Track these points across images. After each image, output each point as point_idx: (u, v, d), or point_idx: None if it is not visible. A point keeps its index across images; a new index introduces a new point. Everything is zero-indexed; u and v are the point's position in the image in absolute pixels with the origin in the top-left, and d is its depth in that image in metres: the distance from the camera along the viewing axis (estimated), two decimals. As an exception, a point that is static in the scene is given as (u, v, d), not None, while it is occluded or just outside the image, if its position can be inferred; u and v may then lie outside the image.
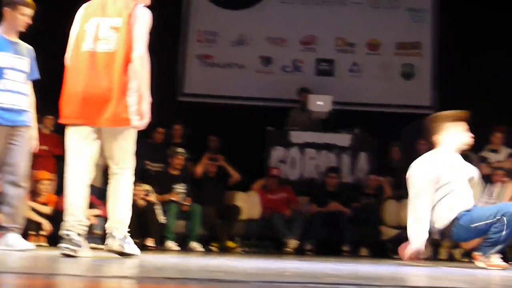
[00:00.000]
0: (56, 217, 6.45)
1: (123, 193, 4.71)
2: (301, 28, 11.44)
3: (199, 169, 9.25)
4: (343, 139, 10.15)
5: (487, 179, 9.34)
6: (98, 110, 4.51)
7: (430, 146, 10.12)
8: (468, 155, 10.02)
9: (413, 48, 11.46)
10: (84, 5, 4.80)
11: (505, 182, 9.19)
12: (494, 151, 9.86)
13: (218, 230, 8.77)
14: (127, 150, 4.68)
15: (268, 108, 10.92)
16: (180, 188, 8.73)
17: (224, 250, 8.55)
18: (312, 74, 11.37)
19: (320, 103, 10.15)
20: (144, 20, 4.58)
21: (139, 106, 4.54)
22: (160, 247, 8.25)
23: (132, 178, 4.76)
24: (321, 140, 10.11)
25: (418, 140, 10.21)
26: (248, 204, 9.31)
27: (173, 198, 8.57)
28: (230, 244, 8.78)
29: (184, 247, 8.43)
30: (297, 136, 10.10)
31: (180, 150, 8.98)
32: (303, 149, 10.06)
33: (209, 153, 9.56)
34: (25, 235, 6.47)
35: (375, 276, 3.80)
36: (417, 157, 10.00)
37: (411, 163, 9.97)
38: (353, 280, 3.31)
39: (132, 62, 4.52)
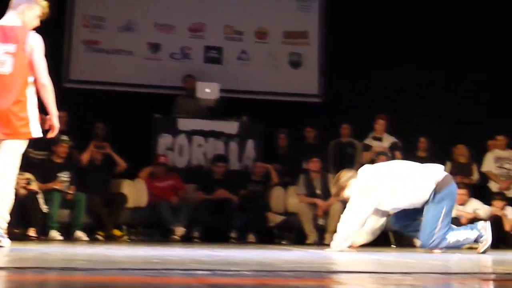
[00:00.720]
0: None
1: None
2: (190, 15, 11.37)
3: (84, 157, 9.08)
4: (230, 126, 10.19)
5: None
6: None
7: (316, 134, 10.39)
8: (352, 142, 10.32)
9: (300, 37, 11.61)
10: None
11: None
12: (378, 139, 10.13)
13: (103, 219, 8.64)
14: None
15: (156, 95, 10.80)
16: (64, 176, 8.54)
17: (110, 239, 8.44)
18: (200, 62, 11.33)
19: (207, 91, 10.16)
20: (40, 47, 5.15)
21: (40, 121, 5.19)
22: (44, 237, 8.05)
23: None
24: (208, 127, 10.11)
25: (305, 127, 10.41)
26: (135, 192, 9.21)
27: (56, 187, 8.37)
28: (116, 232, 8.67)
29: (69, 237, 8.27)
30: (184, 124, 10.06)
31: (64, 137, 8.76)
32: (190, 137, 10.03)
33: (96, 140, 9.38)
34: None
35: (242, 261, 3.84)
36: (304, 144, 10.28)
37: (297, 150, 10.21)
38: (214, 266, 3.33)
39: (31, 84, 5.16)
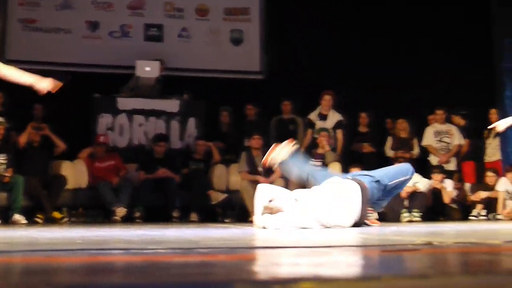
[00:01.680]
0: None
1: None
2: (129, -8, 11.22)
3: (22, 139, 8.89)
4: (171, 105, 10.12)
5: (313, 144, 9.68)
6: None
7: (257, 111, 10.38)
8: (294, 119, 10.34)
9: (241, 13, 11.55)
10: None
11: (329, 144, 9.52)
12: (323, 116, 10.10)
13: (43, 201, 8.49)
14: None
15: (95, 75, 10.65)
16: (0, 158, 8.37)
17: (50, 221, 8.32)
18: (140, 40, 11.20)
19: (148, 69, 10.02)
20: None
21: None
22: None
23: None
24: (149, 106, 10.02)
25: (246, 105, 10.39)
26: (75, 173, 9.08)
27: (-8, 169, 8.21)
28: (56, 214, 8.55)
29: (7, 220, 8.13)
30: (124, 103, 9.95)
31: (0, 119, 8.58)
32: (131, 116, 9.93)
33: (34, 122, 9.21)
34: None
35: (166, 240, 3.84)
36: (246, 122, 10.26)
37: (239, 127, 10.19)
38: (135, 245, 3.32)
39: None
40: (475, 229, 5.42)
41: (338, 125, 10.04)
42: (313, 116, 10.12)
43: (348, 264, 2.35)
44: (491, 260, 2.47)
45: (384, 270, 2.16)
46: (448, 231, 4.97)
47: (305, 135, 10.12)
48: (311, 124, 10.05)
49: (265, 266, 2.34)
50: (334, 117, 10.07)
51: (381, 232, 4.85)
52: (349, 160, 9.77)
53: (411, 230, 5.15)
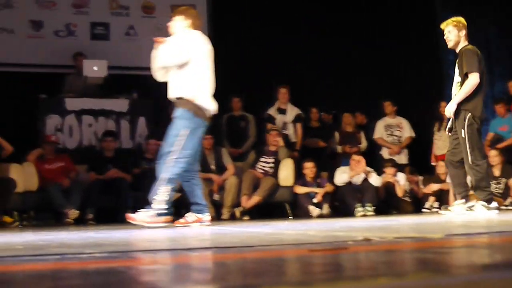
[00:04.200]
0: None
1: None
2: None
3: (-33, 142, 8.66)
4: (121, 104, 9.98)
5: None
6: None
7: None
8: (245, 115, 10.31)
9: (188, 10, 11.43)
10: None
11: (279, 143, 9.53)
12: (282, 111, 10.14)
13: (-9, 205, 8.29)
14: None
15: (41, 75, 10.44)
16: None
17: (1, 226, 8.11)
18: (87, 39, 11.01)
19: (95, 68, 9.85)
20: None
21: None
22: None
23: None
24: (98, 106, 9.86)
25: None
26: (24, 176, 8.86)
27: None
28: (7, 219, 8.35)
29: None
30: (72, 103, 9.76)
31: None
32: (79, 116, 9.75)
33: (-22, 124, 8.98)
34: None
35: (101, 243, 3.78)
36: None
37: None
38: (66, 249, 3.27)
39: None
40: (423, 222, 5.49)
41: (297, 119, 10.11)
42: (272, 111, 10.14)
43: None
44: (419, 257, 2.43)
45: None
46: (394, 225, 5.00)
47: (256, 131, 10.12)
48: (271, 119, 10.06)
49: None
50: (293, 110, 10.13)
51: (329, 227, 4.88)
52: (302, 155, 9.82)
53: (359, 225, 5.16)
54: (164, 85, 10.62)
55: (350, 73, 11.13)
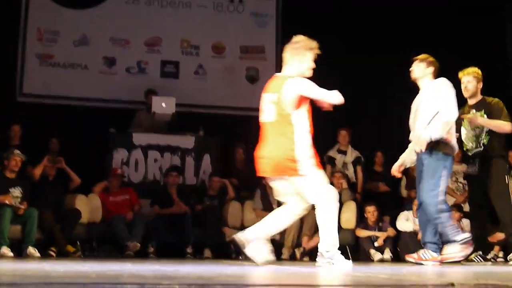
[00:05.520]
0: None
1: None
2: (146, 29, 11.32)
3: (37, 172, 8.88)
4: (187, 141, 10.12)
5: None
6: None
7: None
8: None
9: (257, 52, 11.62)
10: None
11: (343, 186, 9.51)
12: (343, 152, 10.19)
13: (56, 235, 8.45)
14: None
15: (111, 110, 10.71)
16: (15, 191, 8.37)
17: (63, 255, 8.26)
18: (157, 76, 11.26)
19: (163, 105, 10.05)
20: None
21: None
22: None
23: None
24: (164, 142, 10.03)
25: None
26: (89, 207, 9.04)
27: (7, 202, 8.18)
28: (70, 248, 8.50)
29: (21, 254, 8.08)
30: (140, 138, 9.94)
31: (17, 151, 8.59)
32: (146, 151, 9.93)
33: (49, 155, 9.22)
34: None
35: (172, 275, 3.78)
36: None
37: (253, 164, 10.14)
38: (142, 279, 3.27)
39: None
40: (499, 270, 5.35)
41: (357, 161, 10.12)
42: (332, 152, 10.16)
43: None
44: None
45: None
46: (469, 271, 4.89)
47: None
48: (331, 160, 10.07)
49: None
50: (353, 152, 10.14)
51: (396, 271, 4.79)
52: (364, 199, 9.74)
53: (418, 270, 5.05)
54: (229, 125, 10.83)
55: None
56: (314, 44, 5.69)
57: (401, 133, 10.73)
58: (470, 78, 6.95)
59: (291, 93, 5.44)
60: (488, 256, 8.70)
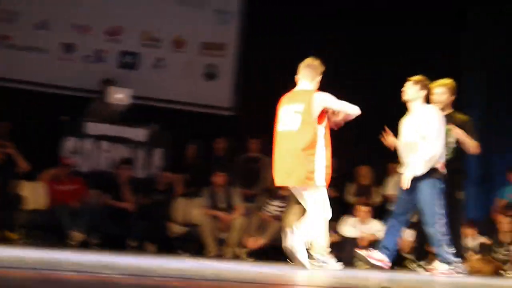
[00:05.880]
0: None
1: None
2: (107, 18, 11.18)
3: (-16, 156, 8.79)
4: (139, 133, 10.07)
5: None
6: None
7: (224, 146, 10.38)
8: (258, 158, 10.33)
9: (217, 49, 11.59)
10: None
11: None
12: None
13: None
14: None
15: (66, 97, 10.58)
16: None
17: (4, 241, 8.17)
18: (114, 66, 11.15)
19: (119, 96, 9.99)
20: None
21: None
22: None
23: None
24: (117, 133, 9.95)
25: (216, 139, 10.40)
26: (34, 194, 8.96)
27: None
28: (11, 235, 8.42)
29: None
30: (92, 128, 9.86)
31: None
32: (97, 141, 9.85)
33: (-2, 139, 9.11)
34: None
35: (112, 266, 3.78)
36: (213, 157, 10.23)
37: (205, 162, 10.16)
38: (81, 267, 3.28)
39: None
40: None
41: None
42: None
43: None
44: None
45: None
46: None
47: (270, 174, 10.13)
48: None
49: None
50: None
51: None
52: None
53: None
54: (185, 121, 10.78)
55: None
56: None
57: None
58: (444, 90, 6.87)
59: (318, 105, 5.93)
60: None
